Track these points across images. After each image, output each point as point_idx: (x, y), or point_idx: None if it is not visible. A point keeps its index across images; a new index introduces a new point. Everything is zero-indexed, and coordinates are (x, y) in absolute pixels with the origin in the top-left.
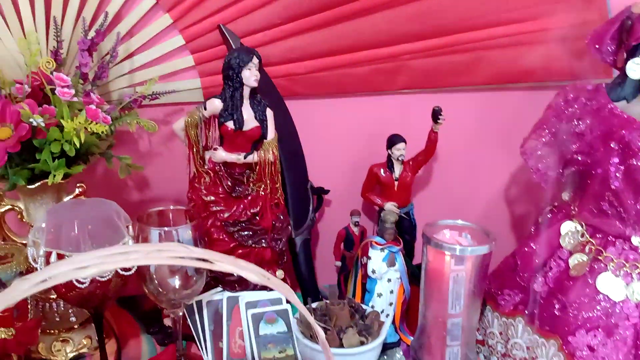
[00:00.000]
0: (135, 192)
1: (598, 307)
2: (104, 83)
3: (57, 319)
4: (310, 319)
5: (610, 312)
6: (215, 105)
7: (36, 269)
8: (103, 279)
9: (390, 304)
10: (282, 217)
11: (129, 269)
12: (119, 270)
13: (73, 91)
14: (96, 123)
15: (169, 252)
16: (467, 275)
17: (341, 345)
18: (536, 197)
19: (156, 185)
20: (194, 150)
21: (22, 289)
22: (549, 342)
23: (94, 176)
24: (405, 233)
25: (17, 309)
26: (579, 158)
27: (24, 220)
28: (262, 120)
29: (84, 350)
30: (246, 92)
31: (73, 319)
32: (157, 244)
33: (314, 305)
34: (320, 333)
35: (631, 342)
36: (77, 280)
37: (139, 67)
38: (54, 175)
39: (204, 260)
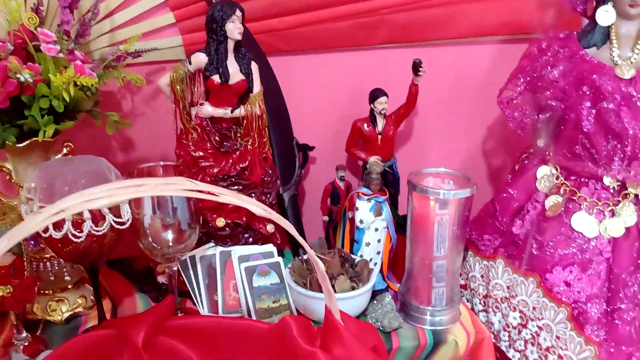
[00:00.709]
0: (121, 152)
1: (573, 245)
2: (86, 41)
3: (52, 278)
4: (310, 250)
5: (585, 249)
6: (200, 59)
7: None
8: (98, 233)
9: (378, 253)
10: (270, 172)
11: (124, 223)
12: (114, 224)
13: (58, 47)
14: (85, 77)
15: (176, 186)
16: (450, 219)
17: (333, 291)
18: (512, 148)
19: (142, 145)
20: (180, 106)
21: (37, 220)
22: (528, 280)
23: (81, 137)
24: (389, 186)
25: (13, 267)
26: (553, 104)
27: (12, 180)
28: (247, 73)
29: (79, 309)
30: (230, 45)
31: (67, 278)
32: (164, 178)
33: (305, 256)
34: (320, 264)
35: (604, 275)
36: (73, 235)
37: (119, 25)
38: (44, 132)
39: (209, 193)
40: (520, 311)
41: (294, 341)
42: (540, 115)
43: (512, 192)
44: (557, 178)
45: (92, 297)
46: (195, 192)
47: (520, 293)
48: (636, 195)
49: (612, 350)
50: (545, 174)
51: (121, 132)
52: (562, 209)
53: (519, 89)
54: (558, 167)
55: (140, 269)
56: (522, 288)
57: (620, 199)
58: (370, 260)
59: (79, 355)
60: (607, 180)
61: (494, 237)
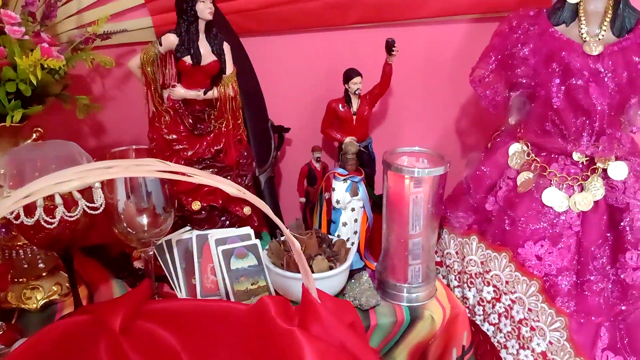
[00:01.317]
0: (93, 137)
1: (544, 220)
2: (52, 23)
3: (26, 266)
4: (285, 229)
5: (555, 223)
6: (171, 40)
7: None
8: (71, 219)
9: (355, 233)
10: (245, 154)
11: (97, 208)
12: (86, 209)
13: (23, 29)
14: (52, 59)
15: (148, 167)
16: (425, 197)
17: (310, 270)
18: (485, 127)
19: (114, 129)
20: (152, 88)
21: (5, 205)
22: (501, 255)
23: (51, 122)
24: (365, 166)
25: None
26: (524, 81)
27: None
28: (219, 54)
29: (55, 297)
30: (201, 25)
31: (42, 265)
32: (136, 159)
33: (282, 237)
34: (296, 243)
35: (574, 248)
36: (46, 221)
37: (87, 7)
38: (12, 116)
39: (182, 174)
40: (494, 286)
41: (272, 321)
42: (511, 93)
43: (484, 170)
44: (528, 155)
45: (67, 285)
46: (167, 173)
47: (493, 268)
48: (604, 170)
49: (582, 320)
50: (516, 150)
51: (92, 116)
52: (533, 185)
53: (490, 67)
54: (529, 144)
55: (116, 255)
56: (496, 263)
57: (589, 173)
58: (348, 240)
59: (54, 342)
60: (576, 156)
61: (467, 215)
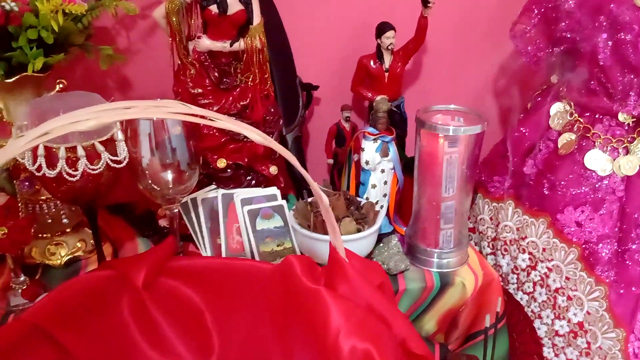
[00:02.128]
0: (116, 92)
1: (585, 184)
2: None
3: (49, 221)
4: (313, 183)
5: (597, 188)
6: None
7: (23, 164)
8: (94, 172)
9: (384, 195)
10: (272, 110)
11: (120, 162)
12: (109, 162)
13: None
14: (74, 4)
15: (168, 108)
16: (460, 157)
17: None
18: (523, 87)
19: (138, 83)
20: (177, 39)
21: (21, 143)
22: (538, 221)
23: (74, 75)
24: (396, 127)
25: (7, 208)
26: (568, 36)
27: (4, 119)
28: (246, 3)
29: (79, 253)
30: None
31: (66, 221)
32: (156, 100)
33: (309, 199)
34: (324, 198)
35: (617, 215)
36: (68, 174)
37: None
38: (34, 65)
39: (202, 117)
40: (530, 253)
41: (297, 280)
42: (554, 49)
43: (523, 131)
44: (571, 115)
45: (91, 242)
46: (187, 116)
47: (530, 234)
48: None
49: (621, 291)
50: (558, 110)
51: (116, 70)
52: (575, 147)
53: (532, 21)
54: (572, 104)
55: (141, 214)
56: (532, 229)
57: (635, 135)
58: (376, 203)
59: (76, 296)
60: (622, 117)
61: (503, 179)
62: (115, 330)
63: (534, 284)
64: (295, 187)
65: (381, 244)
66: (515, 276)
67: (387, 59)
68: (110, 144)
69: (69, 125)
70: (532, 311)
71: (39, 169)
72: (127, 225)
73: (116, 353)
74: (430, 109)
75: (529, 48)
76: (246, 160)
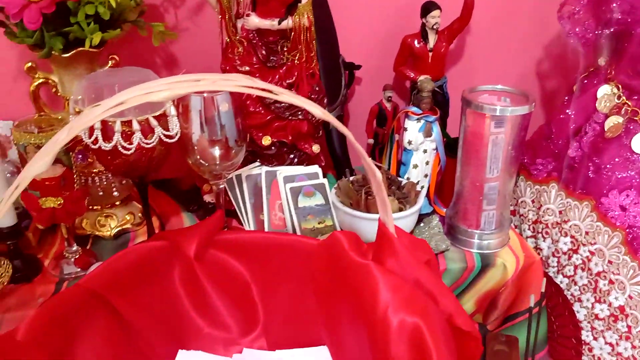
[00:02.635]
0: (164, 69)
1: (632, 168)
2: None
3: (101, 194)
4: (367, 157)
5: None
6: None
7: (80, 137)
8: (148, 146)
9: (425, 176)
10: (317, 89)
11: (172, 136)
12: (162, 137)
13: None
14: None
15: (235, 82)
16: (506, 138)
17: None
18: (567, 70)
19: (186, 61)
20: (226, 17)
21: (97, 113)
22: (582, 204)
23: (123, 52)
24: (438, 108)
25: (63, 179)
26: (619, 17)
27: (58, 94)
28: None
29: (127, 226)
30: None
31: (116, 194)
32: (224, 74)
33: (351, 178)
34: (377, 172)
35: None
36: (123, 147)
37: None
38: (91, 39)
39: (268, 90)
40: (572, 236)
41: (344, 254)
42: (603, 31)
43: (569, 113)
44: (619, 98)
45: (139, 214)
46: (252, 89)
47: (572, 218)
48: None
49: None
50: (605, 93)
51: (164, 47)
52: (623, 130)
53: (582, 1)
54: (620, 86)
55: (186, 189)
56: (576, 212)
57: None
58: (417, 183)
59: (131, 265)
60: None
61: (547, 161)
62: (167, 299)
63: (575, 267)
64: (335, 166)
65: (422, 224)
66: (556, 259)
67: (432, 39)
68: (162, 119)
69: (143, 95)
70: (571, 294)
71: (95, 141)
72: (172, 200)
73: (167, 321)
74: (477, 89)
75: (577, 29)
76: (290, 138)
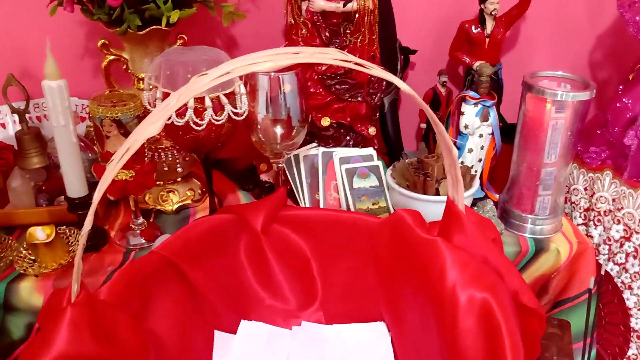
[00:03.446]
0: (227, 50)
1: None
2: None
3: (166, 169)
4: (445, 135)
5: None
6: None
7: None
8: (217, 122)
9: (479, 160)
10: None
11: (240, 114)
12: (231, 115)
13: None
14: None
15: (330, 55)
16: (566, 124)
17: (437, 194)
18: (619, 61)
19: (249, 42)
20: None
21: (203, 82)
22: (637, 192)
23: (187, 33)
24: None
25: (135, 153)
26: None
27: (129, 71)
28: None
29: (188, 202)
30: None
31: (179, 169)
32: (319, 47)
33: (407, 160)
34: (454, 150)
35: None
36: (195, 123)
37: None
38: (168, 17)
39: (359, 64)
40: (625, 224)
41: (410, 231)
42: None
43: (626, 102)
44: None
45: (199, 191)
46: (347, 62)
47: (626, 205)
48: None
49: None
50: None
51: (225, 30)
52: None
53: None
54: None
55: (243, 168)
56: (630, 200)
57: None
58: (472, 167)
59: (201, 235)
60: None
61: (601, 149)
62: (233, 270)
63: (627, 255)
64: (387, 150)
65: (476, 208)
66: (607, 247)
67: (490, 25)
68: (231, 98)
69: (248, 66)
70: (622, 282)
71: (168, 117)
72: (228, 179)
73: (232, 291)
74: (537, 75)
75: (638, 18)
76: (348, 119)
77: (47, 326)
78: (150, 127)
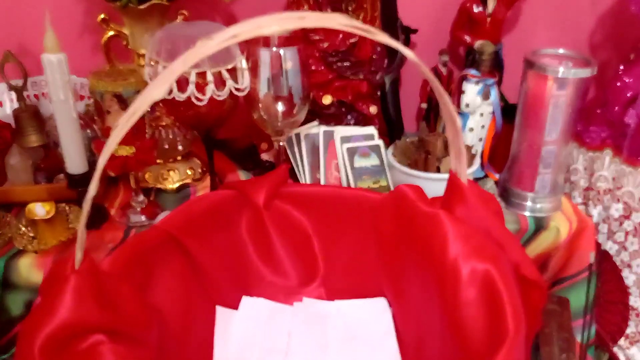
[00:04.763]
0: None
1: None
2: None
3: (166, 147)
4: (449, 104)
5: None
6: None
7: None
8: (219, 98)
9: (480, 140)
10: (379, 49)
11: (242, 90)
12: (233, 90)
13: None
14: None
15: (336, 20)
16: (567, 101)
17: (438, 172)
18: (619, 42)
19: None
20: None
21: (210, 45)
22: (637, 170)
23: (189, 10)
24: None
25: (136, 128)
26: None
27: (129, 47)
28: None
29: (188, 180)
30: None
31: (180, 147)
32: (324, 13)
33: (408, 139)
34: (457, 120)
35: None
36: (197, 98)
37: None
38: None
39: (362, 29)
40: (625, 202)
41: (413, 205)
42: None
43: (627, 81)
44: None
45: (199, 170)
46: (350, 27)
47: (626, 184)
48: None
49: None
50: None
51: (225, 7)
52: None
53: None
54: None
55: (243, 148)
56: (630, 179)
57: None
58: (472, 147)
59: (203, 210)
60: None
61: (601, 129)
62: (234, 246)
63: (627, 233)
64: (387, 130)
65: None
66: (607, 226)
67: (491, 4)
68: (233, 73)
69: (254, 29)
70: (621, 260)
71: (170, 92)
72: (228, 159)
73: (234, 267)
74: (538, 52)
75: None
76: (350, 98)
77: (50, 294)
78: (156, 91)
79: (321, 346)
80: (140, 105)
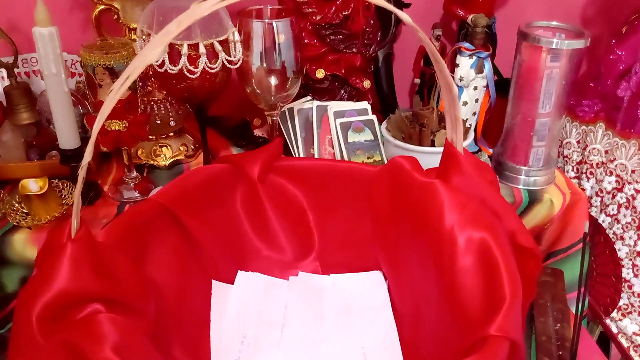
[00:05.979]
0: None
1: None
2: None
3: (158, 122)
4: (446, 71)
5: None
6: None
7: None
8: (212, 70)
9: (474, 114)
10: (372, 22)
11: (235, 62)
12: (225, 63)
13: None
14: None
15: None
16: (561, 73)
17: (432, 145)
18: (611, 16)
19: None
20: None
21: (204, 7)
22: (630, 142)
23: None
24: None
25: (128, 102)
26: None
27: (120, 21)
28: None
29: (180, 157)
30: None
31: (172, 123)
32: None
33: (403, 113)
34: (454, 87)
35: None
36: (189, 70)
37: None
38: None
39: None
40: (617, 175)
41: (408, 175)
42: None
43: (619, 53)
44: None
45: (192, 147)
46: None
47: (619, 157)
48: None
49: None
50: None
51: None
52: None
53: None
54: None
55: (236, 124)
56: (623, 151)
57: None
58: (466, 120)
59: (198, 184)
60: None
61: (594, 102)
62: (229, 220)
63: (619, 205)
64: (380, 105)
65: None
66: (599, 199)
67: None
68: (225, 46)
69: None
70: (614, 233)
71: (162, 64)
72: (221, 136)
73: (229, 241)
74: (532, 25)
75: None
76: (343, 71)
77: (47, 263)
78: (151, 53)
79: (318, 318)
80: (135, 68)
